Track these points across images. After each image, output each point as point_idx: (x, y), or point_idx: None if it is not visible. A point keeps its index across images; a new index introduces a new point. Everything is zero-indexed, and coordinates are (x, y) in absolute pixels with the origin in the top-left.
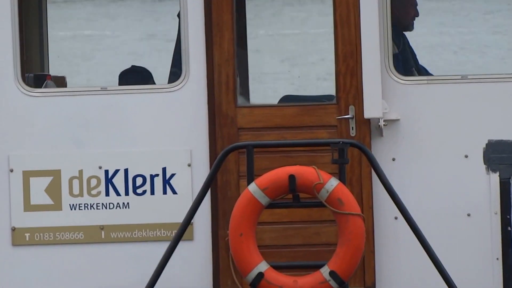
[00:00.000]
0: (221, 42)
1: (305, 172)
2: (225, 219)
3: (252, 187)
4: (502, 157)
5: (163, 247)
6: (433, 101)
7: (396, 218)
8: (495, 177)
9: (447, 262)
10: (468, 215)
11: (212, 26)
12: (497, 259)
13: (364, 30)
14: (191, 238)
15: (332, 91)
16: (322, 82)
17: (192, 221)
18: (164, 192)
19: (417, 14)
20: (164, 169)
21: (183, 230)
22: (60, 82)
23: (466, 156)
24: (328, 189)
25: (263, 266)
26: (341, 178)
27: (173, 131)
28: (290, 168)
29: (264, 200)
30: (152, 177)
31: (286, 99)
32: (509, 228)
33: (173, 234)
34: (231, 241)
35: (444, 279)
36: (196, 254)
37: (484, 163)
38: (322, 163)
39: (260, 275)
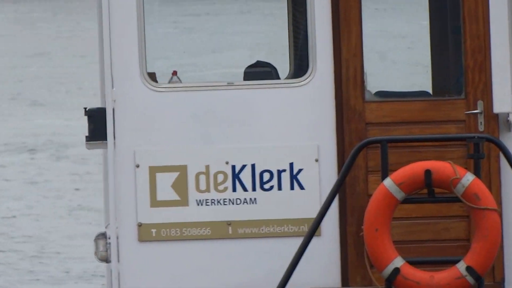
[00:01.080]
0: (349, 37)
1: (441, 167)
2: (354, 215)
3: (388, 182)
4: None
5: (291, 243)
6: None
7: None
8: None
9: None
10: None
11: (340, 21)
12: None
13: (493, 24)
14: (319, 234)
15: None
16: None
17: None
18: (292, 188)
19: None
20: (291, 164)
21: (316, 226)
22: (151, 78)
23: None
24: (465, 184)
25: (399, 262)
26: (476, 173)
27: (300, 126)
28: (425, 163)
29: (399, 195)
30: (279, 172)
31: (380, 94)
32: None
33: (300, 230)
34: (367, 236)
35: None
36: (324, 250)
37: None
38: (451, 158)
39: (396, 270)
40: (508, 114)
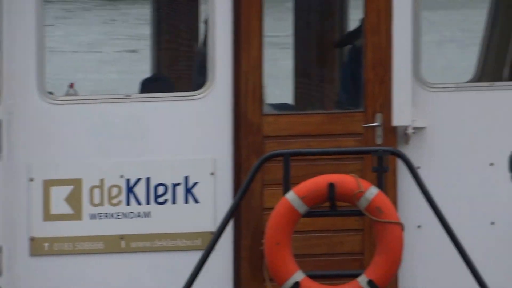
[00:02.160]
0: (249, 49)
1: (345, 180)
2: (249, 229)
3: (291, 196)
4: None
5: (185, 256)
6: (460, 109)
7: (419, 227)
8: None
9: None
10: (492, 223)
11: (241, 33)
12: None
13: (397, 37)
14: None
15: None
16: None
17: (213, 230)
18: (186, 201)
19: None
20: (186, 178)
21: (216, 240)
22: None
23: (492, 164)
24: (368, 198)
25: (299, 276)
26: (380, 186)
27: (196, 139)
28: (329, 176)
29: (302, 208)
30: (174, 186)
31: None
32: None
33: (194, 244)
34: (267, 250)
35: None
36: (217, 263)
37: (510, 171)
38: (348, 171)
39: (296, 284)
40: (407, 127)
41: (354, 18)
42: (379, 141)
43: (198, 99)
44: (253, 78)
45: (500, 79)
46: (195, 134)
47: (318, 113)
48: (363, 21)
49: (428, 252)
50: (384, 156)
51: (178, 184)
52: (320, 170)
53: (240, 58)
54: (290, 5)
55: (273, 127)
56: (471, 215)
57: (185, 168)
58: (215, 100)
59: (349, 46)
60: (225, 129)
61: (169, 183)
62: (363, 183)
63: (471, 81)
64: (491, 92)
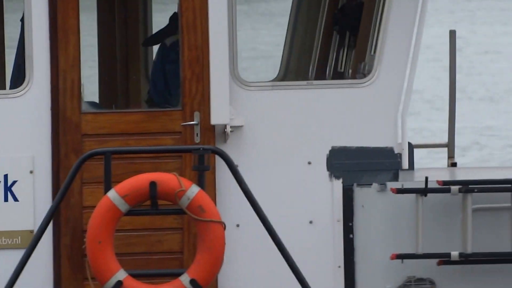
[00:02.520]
0: (67, 47)
1: (167, 179)
2: (68, 227)
3: (112, 194)
4: (345, 164)
5: (5, 255)
6: (277, 107)
7: (238, 225)
8: (338, 184)
9: (288, 271)
10: (311, 222)
11: (58, 30)
12: (339, 266)
13: (212, 36)
14: None
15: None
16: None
17: (32, 228)
18: (6, 200)
19: None
20: (5, 176)
21: (37, 240)
22: None
23: (310, 163)
24: (190, 196)
25: (121, 274)
26: (201, 185)
27: (16, 137)
28: (151, 175)
29: (124, 207)
30: None
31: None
32: (351, 236)
33: (14, 242)
34: (89, 249)
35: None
36: (37, 261)
37: (328, 170)
38: (167, 170)
39: (119, 283)
40: (225, 125)
41: (157, 17)
42: (197, 139)
43: (16, 97)
44: (71, 76)
45: (306, 78)
46: (14, 132)
47: (137, 112)
48: (172, 19)
49: (247, 251)
50: (204, 155)
51: None
52: (139, 168)
53: (58, 56)
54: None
55: (92, 126)
56: (290, 214)
57: (4, 166)
58: (33, 98)
59: (160, 45)
60: (44, 127)
61: None
62: (184, 181)
63: (275, 79)
64: (307, 91)
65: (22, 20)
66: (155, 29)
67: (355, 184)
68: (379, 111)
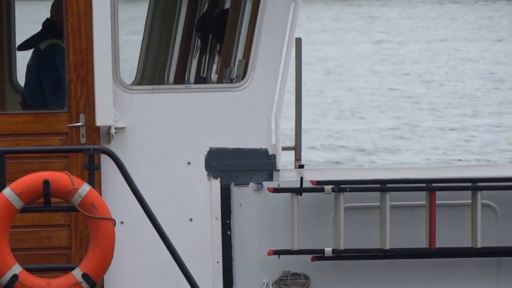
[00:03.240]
0: None
1: (60, 177)
2: None
3: (7, 192)
4: (223, 164)
5: None
6: (157, 110)
7: (122, 223)
8: (216, 183)
9: (172, 266)
10: (191, 219)
11: None
12: (218, 262)
13: (97, 40)
14: None
15: None
16: None
17: None
18: None
19: None
20: None
21: None
22: None
23: (189, 163)
24: (82, 194)
25: (17, 269)
26: (91, 183)
27: None
28: (44, 174)
29: (18, 204)
30: None
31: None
32: (229, 233)
33: None
34: None
35: (189, 281)
36: None
37: (206, 170)
38: (54, 169)
39: (15, 277)
40: (109, 127)
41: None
42: (83, 140)
43: None
44: None
45: (162, 82)
46: None
47: (25, 113)
48: (45, 24)
49: (131, 247)
50: (94, 155)
51: None
52: (28, 167)
53: None
54: None
55: None
56: (171, 211)
57: None
58: None
59: (34, 49)
60: None
61: None
62: (76, 180)
63: (133, 83)
64: (186, 94)
65: None
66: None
67: (232, 184)
68: (254, 113)
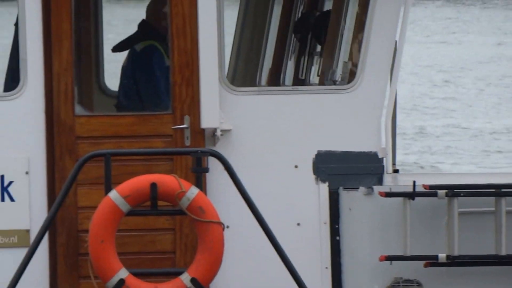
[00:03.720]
0: (60, 51)
1: (167, 180)
2: (64, 226)
3: (113, 195)
4: (331, 167)
5: (1, 253)
6: (263, 112)
7: (227, 227)
8: (324, 188)
9: (279, 271)
10: (298, 224)
11: (51, 35)
12: (326, 268)
13: (202, 41)
14: (28, 245)
15: None
16: None
17: (28, 227)
18: (2, 200)
19: None
20: (2, 177)
21: (41, 238)
22: None
23: (296, 166)
24: (190, 197)
25: (123, 273)
26: (199, 186)
27: (10, 139)
28: (151, 176)
29: (125, 207)
30: None
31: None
32: (337, 238)
33: (10, 241)
34: (92, 248)
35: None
36: (33, 260)
37: (314, 174)
38: (158, 172)
39: (121, 281)
40: (215, 129)
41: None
42: (187, 142)
43: (11, 100)
44: (65, 80)
45: (253, 84)
46: (9, 134)
47: (129, 115)
48: (140, 26)
49: (237, 252)
50: (206, 158)
51: None
52: (132, 170)
53: (52, 60)
54: None
55: (86, 128)
56: (278, 216)
57: (0, 167)
58: (28, 101)
59: (129, 51)
60: (39, 130)
61: None
62: (184, 183)
63: None
64: (293, 96)
65: (16, 24)
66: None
67: (341, 188)
68: (363, 116)
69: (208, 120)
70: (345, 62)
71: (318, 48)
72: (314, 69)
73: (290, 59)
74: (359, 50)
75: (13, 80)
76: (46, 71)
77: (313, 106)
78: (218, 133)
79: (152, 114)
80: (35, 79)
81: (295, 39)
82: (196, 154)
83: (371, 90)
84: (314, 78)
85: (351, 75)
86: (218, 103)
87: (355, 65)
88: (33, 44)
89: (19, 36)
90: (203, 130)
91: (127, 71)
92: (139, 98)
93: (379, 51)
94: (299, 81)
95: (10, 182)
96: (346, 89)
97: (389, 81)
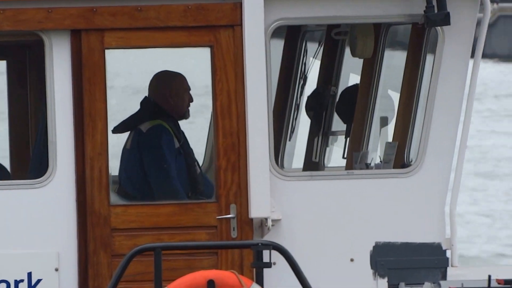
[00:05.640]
0: (94, 133)
1: (225, 277)
2: None
3: None
4: (390, 261)
5: None
6: (315, 198)
7: None
8: (383, 283)
9: None
10: None
11: (84, 115)
12: None
13: (251, 121)
14: None
15: None
16: None
17: None
18: None
19: (191, 100)
20: (29, 274)
21: None
22: None
23: (352, 260)
24: None
25: None
26: (260, 282)
27: (38, 232)
28: (207, 273)
29: None
30: (17, 283)
31: None
32: None
33: None
34: None
35: None
36: None
37: (372, 268)
38: (201, 267)
39: None
40: (265, 219)
41: None
42: (234, 234)
43: (38, 187)
44: (99, 165)
45: None
46: (37, 225)
47: (169, 204)
48: (143, 104)
49: None
50: (268, 251)
51: (21, 281)
52: (172, 265)
53: (84, 142)
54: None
55: (122, 219)
56: None
57: (27, 264)
58: (57, 188)
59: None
60: (69, 220)
61: (11, 280)
62: (245, 280)
63: None
64: (347, 181)
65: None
66: None
67: (402, 284)
68: (424, 202)
69: (258, 209)
70: (388, 143)
71: (334, 127)
72: (328, 151)
73: (289, 140)
74: (405, 129)
75: (41, 165)
76: (78, 155)
77: (370, 192)
78: (269, 223)
79: (194, 202)
80: (65, 164)
81: (294, 118)
82: (257, 247)
83: (433, 173)
84: (328, 161)
85: (397, 158)
86: (268, 190)
87: (401, 146)
88: (63, 125)
89: (47, 117)
90: (251, 220)
91: (131, 154)
92: (146, 184)
93: (442, 131)
94: (313, 164)
95: (38, 281)
96: (406, 172)
97: (453, 161)
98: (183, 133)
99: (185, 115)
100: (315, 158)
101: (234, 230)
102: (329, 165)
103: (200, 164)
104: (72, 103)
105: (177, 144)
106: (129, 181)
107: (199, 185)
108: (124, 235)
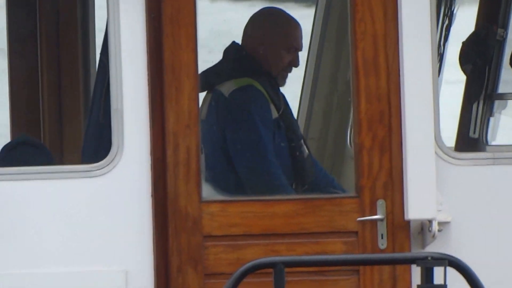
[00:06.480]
0: (179, 97)
1: None
2: None
3: None
4: None
5: None
6: (502, 191)
7: None
8: None
9: None
10: None
11: (163, 71)
12: None
13: (409, 81)
14: None
15: None
16: None
17: None
18: None
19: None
20: None
21: None
22: None
23: None
24: None
25: None
26: None
27: (96, 241)
28: None
29: None
30: None
31: None
32: None
33: None
34: None
35: None
36: None
37: None
38: None
39: None
40: (431, 221)
41: None
42: (382, 244)
43: (96, 176)
44: (186, 142)
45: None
46: (95, 232)
47: (286, 200)
48: (227, 52)
49: None
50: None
51: None
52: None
53: (165, 112)
54: None
55: (219, 222)
56: None
57: (88, 284)
58: (124, 177)
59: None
60: (142, 224)
61: None
62: None
63: None
64: None
65: (101, 57)
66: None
67: None
68: None
69: (418, 208)
70: None
71: (502, 88)
72: (493, 122)
73: None
74: None
75: (99, 146)
76: (155, 129)
77: None
78: (434, 228)
79: (324, 198)
80: (136, 142)
81: None
82: (426, 262)
83: None
84: (493, 137)
85: None
86: (435, 181)
87: None
88: (133, 87)
89: (109, 72)
90: (408, 223)
91: (208, 128)
92: (232, 174)
93: None
94: (470, 141)
95: None
96: None
97: None
98: (284, 97)
99: (278, 79)
100: (474, 133)
101: (382, 238)
102: (493, 143)
103: None
104: (146, 53)
105: (275, 114)
106: (208, 167)
107: (308, 172)
108: (223, 246)
